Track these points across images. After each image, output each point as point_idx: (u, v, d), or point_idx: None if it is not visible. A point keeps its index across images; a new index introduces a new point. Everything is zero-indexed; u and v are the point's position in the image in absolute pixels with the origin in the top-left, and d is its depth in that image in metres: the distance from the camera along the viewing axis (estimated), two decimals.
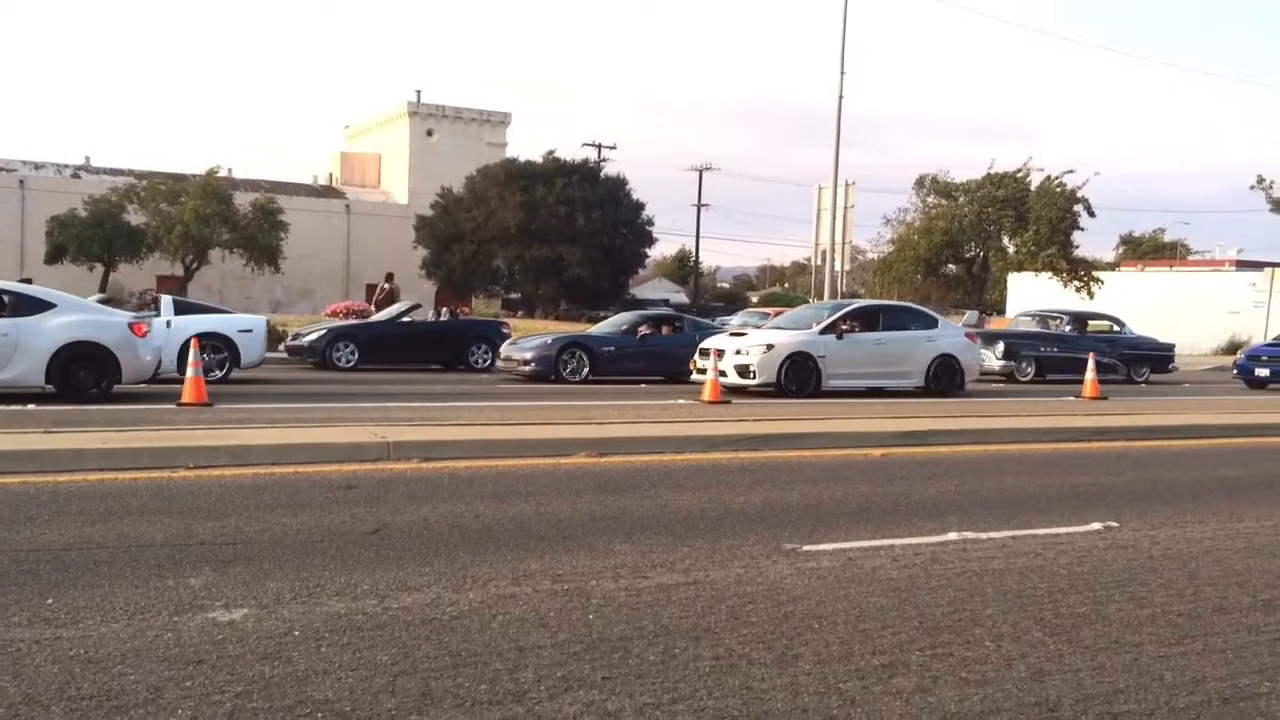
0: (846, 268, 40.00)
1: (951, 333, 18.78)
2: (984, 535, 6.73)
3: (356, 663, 4.14)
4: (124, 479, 7.62)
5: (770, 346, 16.62)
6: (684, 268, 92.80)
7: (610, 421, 11.56)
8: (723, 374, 16.08)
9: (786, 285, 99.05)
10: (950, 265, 54.32)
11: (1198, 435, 13.04)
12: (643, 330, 20.24)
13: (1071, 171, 48.33)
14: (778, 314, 27.45)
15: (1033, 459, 10.61)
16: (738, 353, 16.64)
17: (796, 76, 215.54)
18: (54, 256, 47.79)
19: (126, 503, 6.89)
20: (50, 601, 4.78)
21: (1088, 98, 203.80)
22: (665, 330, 20.66)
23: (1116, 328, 25.66)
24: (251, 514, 6.66)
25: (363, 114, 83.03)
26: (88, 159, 63.21)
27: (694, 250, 77.75)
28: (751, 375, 16.39)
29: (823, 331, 17.04)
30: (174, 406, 11.96)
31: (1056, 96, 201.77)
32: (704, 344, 17.43)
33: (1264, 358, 21.76)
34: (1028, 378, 23.12)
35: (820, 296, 37.87)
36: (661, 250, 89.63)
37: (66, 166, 62.04)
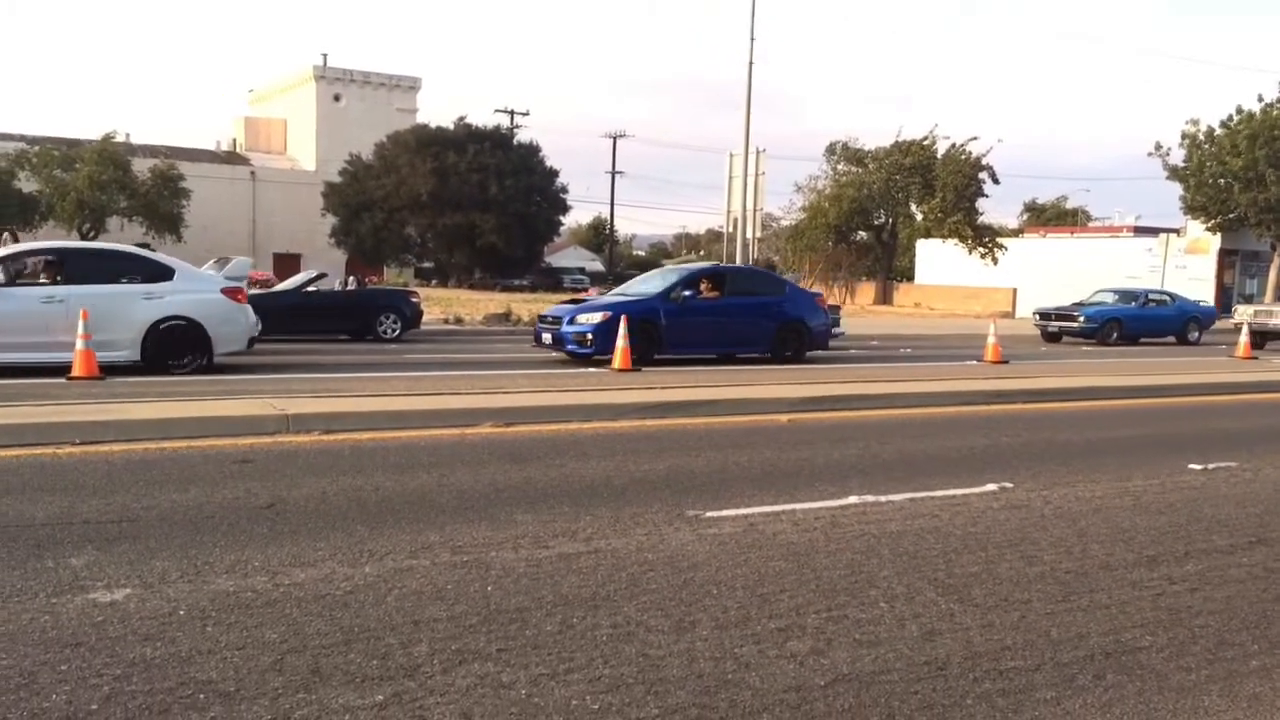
0: (759, 235, 40.28)
1: (195, 288, 13.65)
2: (883, 498, 6.83)
3: (243, 641, 4.03)
4: (5, 456, 7.31)
5: None
6: (599, 236, 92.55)
7: (519, 390, 11.47)
8: None
9: (702, 253, 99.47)
10: (860, 232, 55.10)
11: (1093, 397, 13.43)
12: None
13: (976, 139, 49.41)
14: None
15: (935, 422, 10.81)
16: None
17: (709, 43, 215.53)
18: None
19: (7, 481, 6.60)
20: None
21: (993, 67, 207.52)
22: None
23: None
24: (139, 491, 6.44)
25: (267, 78, 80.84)
26: None
27: (609, 218, 77.55)
28: None
29: None
30: (64, 381, 11.53)
31: (963, 65, 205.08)
32: None
33: (552, 317, 17.04)
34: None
35: (733, 263, 38.11)
36: (576, 218, 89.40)
37: None
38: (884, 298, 54.23)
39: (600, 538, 5.68)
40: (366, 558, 5.17)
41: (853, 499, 6.79)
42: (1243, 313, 26.79)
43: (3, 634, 4.04)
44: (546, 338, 16.90)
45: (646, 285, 18.21)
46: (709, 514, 6.28)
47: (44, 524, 5.62)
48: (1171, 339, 28.17)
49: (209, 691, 3.59)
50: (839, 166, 54.48)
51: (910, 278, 60.86)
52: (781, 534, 5.88)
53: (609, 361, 15.33)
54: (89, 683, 3.63)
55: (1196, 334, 28.34)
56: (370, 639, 4.10)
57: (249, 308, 14.14)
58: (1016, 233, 61.33)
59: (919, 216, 53.52)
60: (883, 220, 54.42)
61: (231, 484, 6.72)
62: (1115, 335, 26.96)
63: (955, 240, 50.29)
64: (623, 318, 15.42)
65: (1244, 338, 21.85)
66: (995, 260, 50.08)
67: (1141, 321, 28.01)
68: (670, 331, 16.67)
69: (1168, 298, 29.71)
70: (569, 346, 16.38)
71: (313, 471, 7.21)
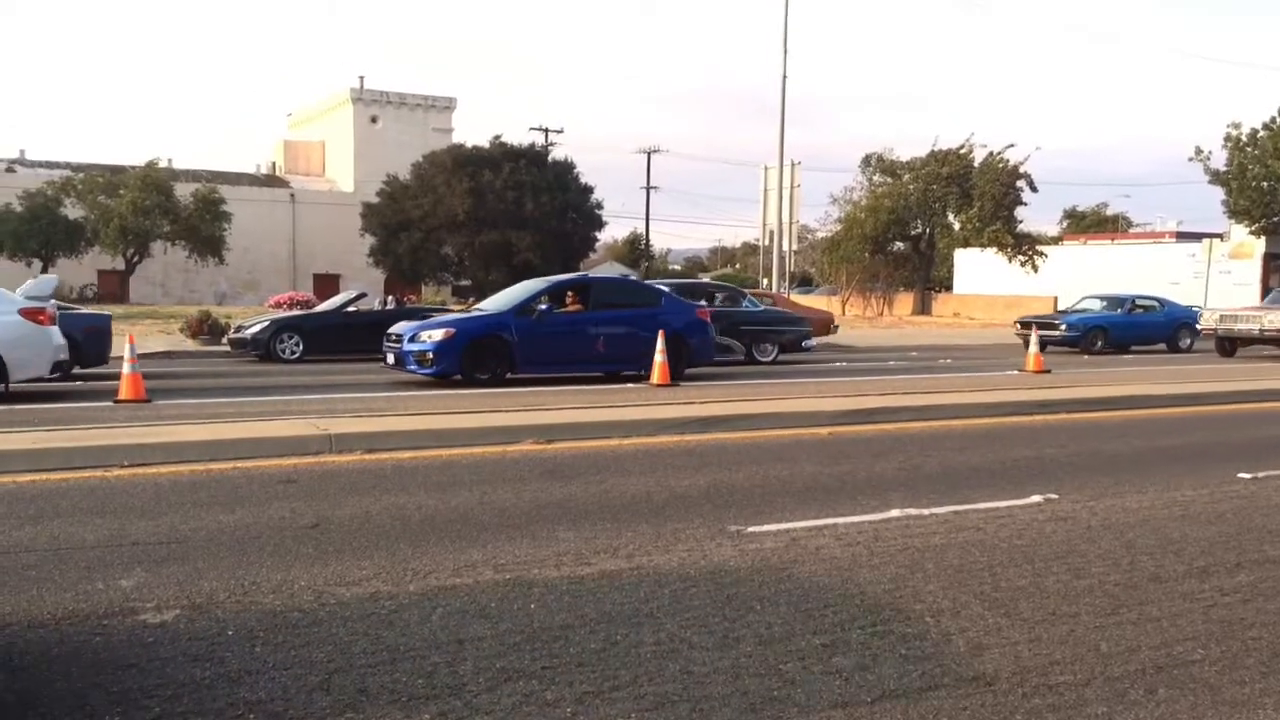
0: (795, 247, 40.22)
1: None
2: (926, 511, 6.77)
3: (291, 661, 4.07)
4: (55, 480, 7.44)
5: None
6: (635, 250, 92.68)
7: (559, 407, 11.50)
8: None
9: (738, 266, 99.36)
10: (898, 243, 54.79)
11: (1139, 406, 13.24)
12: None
13: (1013, 146, 49.04)
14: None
15: (977, 433, 10.71)
16: None
17: (741, 56, 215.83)
18: None
19: (57, 504, 6.72)
20: None
21: (1031, 73, 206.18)
22: None
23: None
24: (187, 512, 6.53)
25: (305, 101, 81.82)
26: (22, 152, 61.52)
27: (644, 233, 77.73)
28: None
29: None
30: (111, 403, 11.72)
31: (1001, 71, 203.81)
32: None
33: (395, 335, 15.54)
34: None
35: (770, 276, 38.08)
36: (612, 233, 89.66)
37: (0, 160, 60.47)
38: (922, 308, 53.87)
39: (642, 554, 5.68)
40: (410, 576, 5.21)
41: (895, 512, 6.74)
42: (1209, 317, 25.01)
43: (55, 656, 4.10)
44: (390, 358, 15.55)
45: (502, 299, 16.87)
46: (751, 529, 6.26)
47: (94, 546, 5.71)
48: (1162, 346, 26.87)
49: (258, 712, 3.62)
50: (874, 178, 54.27)
51: (949, 287, 60.45)
52: (824, 548, 5.85)
53: (459, 382, 14.67)
54: (140, 704, 3.67)
55: (1188, 341, 26.83)
56: (415, 658, 4.12)
57: (55, 330, 12.55)
58: (1056, 240, 60.77)
59: (957, 226, 53.13)
60: (920, 230, 54.08)
61: (277, 504, 6.79)
62: (1100, 344, 25.67)
63: (994, 249, 49.88)
64: (471, 333, 14.86)
65: None
66: (1035, 268, 49.62)
67: (1128, 329, 26.68)
68: (523, 349, 15.32)
69: (1156, 304, 28.05)
70: (410, 366, 15.04)
71: (356, 491, 7.27)
